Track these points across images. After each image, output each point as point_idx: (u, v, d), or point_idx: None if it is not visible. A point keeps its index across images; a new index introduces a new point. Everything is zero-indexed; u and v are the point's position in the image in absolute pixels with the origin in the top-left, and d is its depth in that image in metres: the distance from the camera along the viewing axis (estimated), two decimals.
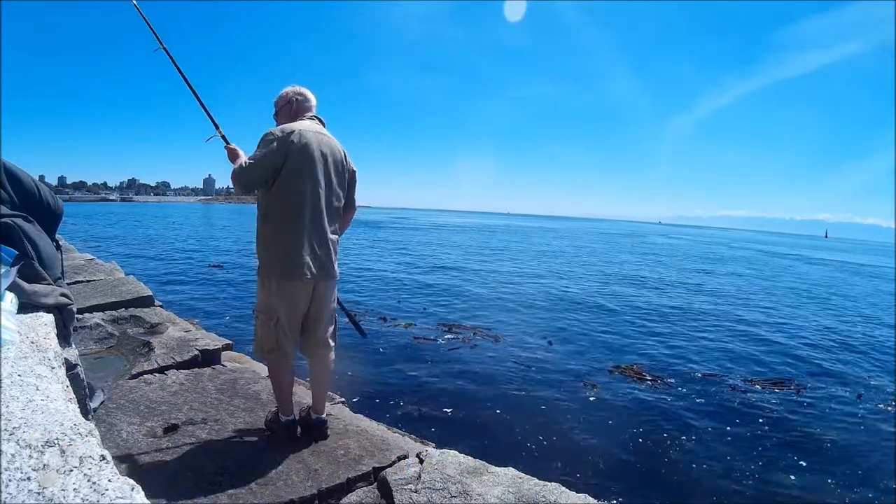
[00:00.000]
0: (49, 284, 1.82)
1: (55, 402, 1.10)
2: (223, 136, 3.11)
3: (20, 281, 1.68)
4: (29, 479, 0.80)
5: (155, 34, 3.25)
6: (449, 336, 8.42)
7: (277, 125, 2.79)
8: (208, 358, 3.97)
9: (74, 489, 0.79)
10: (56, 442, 0.92)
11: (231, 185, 2.74)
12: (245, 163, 2.59)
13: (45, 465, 0.85)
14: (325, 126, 2.83)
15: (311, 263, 2.64)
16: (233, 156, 2.88)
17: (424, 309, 10.71)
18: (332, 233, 2.77)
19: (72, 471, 0.85)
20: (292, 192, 2.58)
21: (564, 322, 10.31)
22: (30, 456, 0.86)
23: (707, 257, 34.37)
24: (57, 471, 0.84)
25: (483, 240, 40.10)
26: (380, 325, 8.94)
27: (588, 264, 23.89)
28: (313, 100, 2.86)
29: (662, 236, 79.49)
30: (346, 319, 3.46)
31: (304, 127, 2.65)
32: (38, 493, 0.77)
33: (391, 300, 11.57)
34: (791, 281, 22.64)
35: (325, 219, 2.71)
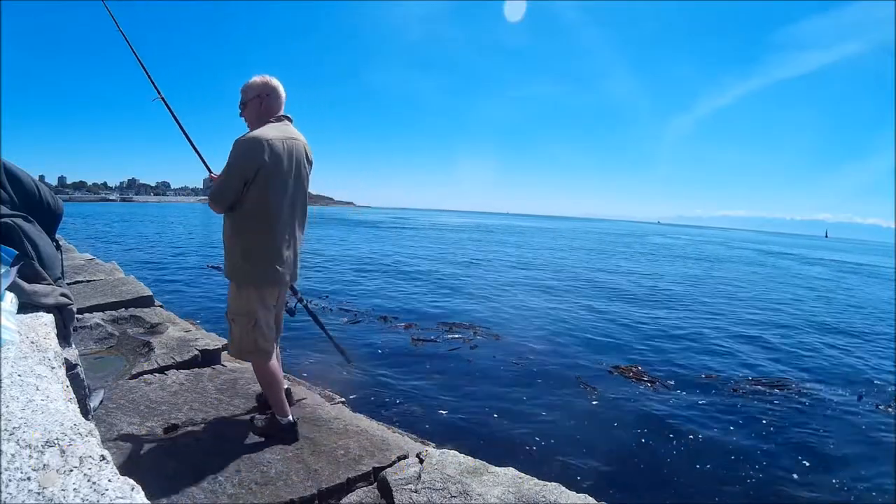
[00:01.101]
0: (49, 284, 1.82)
1: (55, 402, 1.10)
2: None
3: (20, 281, 1.68)
4: (29, 479, 0.80)
5: (154, 85, 3.30)
6: (449, 336, 8.42)
7: (243, 115, 2.77)
8: (208, 358, 3.96)
9: (74, 489, 0.79)
10: (56, 442, 0.92)
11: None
12: (219, 181, 2.58)
13: (45, 465, 0.85)
14: (292, 122, 2.79)
15: (285, 270, 2.72)
16: None
17: (425, 309, 10.71)
18: (300, 237, 2.83)
19: (72, 471, 0.85)
20: (265, 202, 2.59)
21: (564, 322, 10.31)
22: (30, 456, 0.86)
23: (704, 257, 34.33)
24: (57, 471, 0.84)
25: (482, 240, 40.10)
26: (380, 326, 8.95)
27: (586, 264, 23.89)
28: (283, 96, 2.77)
29: (660, 236, 79.60)
30: (332, 343, 3.59)
31: (274, 136, 2.58)
32: (38, 493, 0.77)
33: (392, 300, 11.56)
34: (788, 281, 22.64)
35: (295, 224, 2.76)
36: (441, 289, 13.69)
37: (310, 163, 2.83)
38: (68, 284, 2.30)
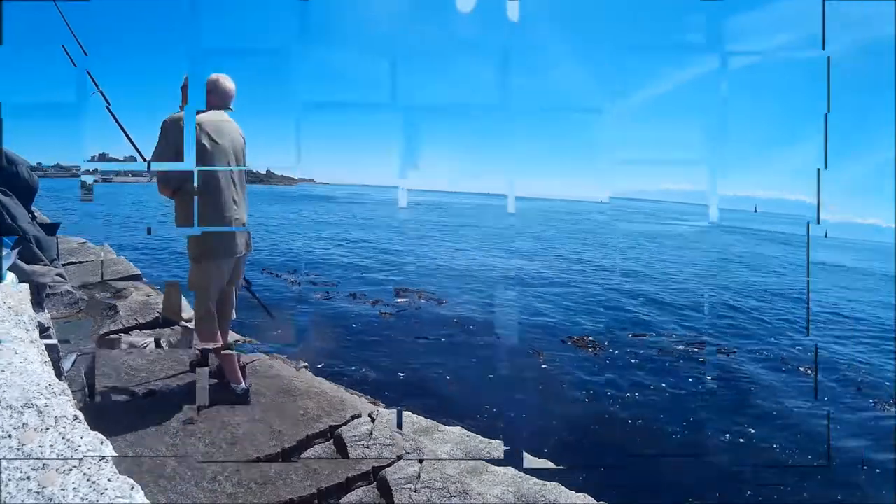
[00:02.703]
0: (45, 265, 1.83)
1: (32, 364, 1.10)
2: None
3: (19, 261, 1.70)
4: (10, 436, 0.83)
5: (102, 93, 3.24)
6: (396, 300, 8.52)
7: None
8: (168, 319, 4.00)
9: (74, 489, 0.77)
10: (33, 402, 0.94)
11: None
12: (155, 158, 2.67)
13: (24, 424, 0.86)
14: (230, 112, 2.92)
15: (237, 240, 2.84)
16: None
17: (387, 284, 10.51)
18: (245, 208, 2.93)
19: (48, 429, 0.86)
20: (210, 177, 2.69)
21: (509, 294, 10.29)
22: (10, 416, 0.88)
23: (639, 232, 33.24)
24: (35, 429, 0.85)
25: (435, 217, 39.10)
26: (349, 301, 8.82)
27: (531, 240, 23.48)
28: (227, 91, 2.87)
29: (600, 213, 79.06)
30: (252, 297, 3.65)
31: (207, 118, 2.72)
32: (18, 449, 0.80)
33: (356, 276, 11.33)
34: (720, 252, 22.91)
35: (243, 196, 2.89)
36: (389, 261, 13.58)
37: (244, 142, 2.97)
38: (63, 266, 2.27)
